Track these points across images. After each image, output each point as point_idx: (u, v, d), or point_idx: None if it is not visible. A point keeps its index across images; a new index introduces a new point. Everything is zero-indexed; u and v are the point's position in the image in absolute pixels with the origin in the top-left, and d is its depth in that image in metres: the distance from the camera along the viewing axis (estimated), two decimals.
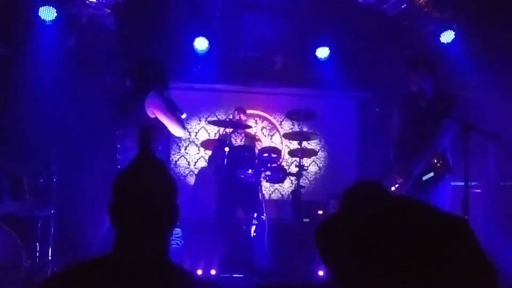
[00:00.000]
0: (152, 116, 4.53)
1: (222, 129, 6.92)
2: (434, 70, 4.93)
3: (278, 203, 7.70)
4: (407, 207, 1.13)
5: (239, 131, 6.62)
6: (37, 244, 5.44)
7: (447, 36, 6.37)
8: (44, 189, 5.62)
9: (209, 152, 7.38)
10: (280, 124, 7.97)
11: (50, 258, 5.52)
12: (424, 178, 4.74)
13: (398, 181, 4.79)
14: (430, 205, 1.15)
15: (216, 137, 7.48)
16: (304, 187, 6.49)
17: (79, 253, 5.71)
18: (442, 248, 1.03)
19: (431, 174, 4.73)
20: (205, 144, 6.84)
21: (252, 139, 6.77)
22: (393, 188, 4.75)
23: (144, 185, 1.79)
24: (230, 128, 6.47)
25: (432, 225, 1.07)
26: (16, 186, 5.45)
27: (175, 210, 1.84)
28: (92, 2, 5.80)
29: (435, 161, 4.76)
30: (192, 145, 7.74)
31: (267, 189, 7.67)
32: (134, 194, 1.77)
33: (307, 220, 6.32)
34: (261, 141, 6.98)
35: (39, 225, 5.49)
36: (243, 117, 6.65)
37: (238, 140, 6.61)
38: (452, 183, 4.91)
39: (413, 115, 4.93)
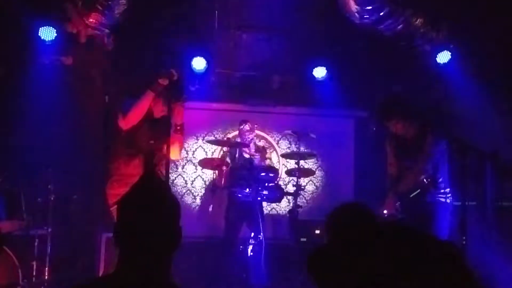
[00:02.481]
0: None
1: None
2: (407, 111, 5.02)
3: (275, 223, 7.68)
4: (398, 235, 1.14)
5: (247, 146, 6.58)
6: (34, 263, 5.42)
7: (443, 57, 6.41)
8: (41, 208, 5.62)
9: (207, 171, 7.40)
10: (278, 143, 7.98)
11: (46, 277, 5.50)
12: (412, 195, 4.80)
13: (386, 202, 4.84)
14: (420, 231, 1.17)
15: (214, 156, 7.50)
16: (301, 206, 6.49)
17: (76, 272, 5.70)
18: (433, 275, 1.04)
19: (418, 190, 4.78)
20: (203, 163, 6.84)
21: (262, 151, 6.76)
22: (385, 212, 4.79)
23: (147, 207, 1.80)
24: (228, 147, 6.49)
25: (422, 252, 1.08)
26: (13, 205, 5.45)
27: (178, 231, 1.86)
28: (91, 22, 5.83)
29: (424, 180, 4.82)
30: (189, 164, 7.74)
31: (264, 208, 7.65)
32: (138, 216, 1.79)
33: (304, 239, 6.32)
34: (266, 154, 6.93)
35: (36, 244, 5.47)
36: (249, 127, 6.58)
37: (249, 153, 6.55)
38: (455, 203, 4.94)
39: (401, 147, 5.05)
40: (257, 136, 7.82)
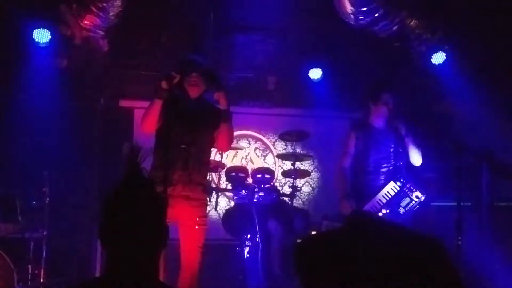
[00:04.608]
0: None
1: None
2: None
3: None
4: (382, 229, 1.15)
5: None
6: (29, 266, 5.40)
7: (438, 58, 6.42)
8: (37, 211, 5.60)
9: None
10: (273, 145, 7.98)
11: (42, 280, 5.48)
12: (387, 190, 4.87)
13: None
14: (405, 226, 1.18)
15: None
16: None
17: (71, 275, 5.68)
18: (417, 268, 1.04)
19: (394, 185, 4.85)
20: None
21: None
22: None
23: (132, 206, 1.79)
24: None
25: (407, 245, 1.09)
26: (8, 208, 5.43)
27: (164, 230, 1.85)
28: (86, 24, 5.82)
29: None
30: None
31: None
32: (123, 215, 1.78)
33: (301, 240, 6.30)
34: None
35: (31, 247, 5.46)
36: None
37: None
38: (446, 204, 4.97)
39: (370, 138, 5.11)
40: (253, 137, 7.83)
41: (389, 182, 4.98)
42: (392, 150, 5.10)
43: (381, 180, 5.05)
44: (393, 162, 5.09)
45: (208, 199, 4.67)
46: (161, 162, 4.11)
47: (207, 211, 4.64)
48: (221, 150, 4.71)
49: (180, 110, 4.30)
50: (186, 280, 4.15)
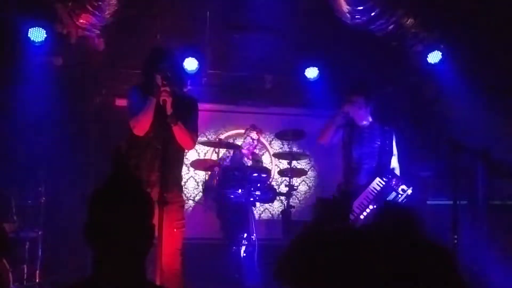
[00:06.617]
0: None
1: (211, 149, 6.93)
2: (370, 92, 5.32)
3: (268, 223, 7.67)
4: (390, 234, 1.14)
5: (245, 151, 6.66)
6: (25, 266, 5.39)
7: (434, 57, 6.42)
8: (32, 210, 5.59)
9: (199, 172, 7.38)
10: (270, 144, 7.98)
11: (37, 280, 5.48)
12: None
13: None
14: (416, 232, 1.17)
15: (206, 157, 7.49)
16: (294, 206, 6.49)
17: (66, 275, 5.66)
18: (424, 276, 1.04)
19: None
20: (195, 164, 6.83)
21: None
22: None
23: (118, 205, 1.76)
24: (219, 148, 6.48)
25: (414, 254, 1.08)
26: (3, 207, 5.42)
27: (150, 229, 1.83)
28: (82, 23, 5.80)
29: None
30: None
31: (257, 209, 7.64)
32: (108, 214, 1.75)
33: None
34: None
35: (26, 246, 5.45)
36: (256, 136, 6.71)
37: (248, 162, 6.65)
38: (442, 202, 4.97)
39: (354, 134, 5.17)
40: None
41: (374, 179, 5.03)
42: (377, 147, 5.14)
43: (363, 178, 5.09)
44: (376, 160, 5.12)
45: (184, 199, 4.57)
46: (137, 163, 4.09)
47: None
48: (186, 149, 4.48)
49: (156, 108, 4.19)
50: (170, 283, 4.13)
